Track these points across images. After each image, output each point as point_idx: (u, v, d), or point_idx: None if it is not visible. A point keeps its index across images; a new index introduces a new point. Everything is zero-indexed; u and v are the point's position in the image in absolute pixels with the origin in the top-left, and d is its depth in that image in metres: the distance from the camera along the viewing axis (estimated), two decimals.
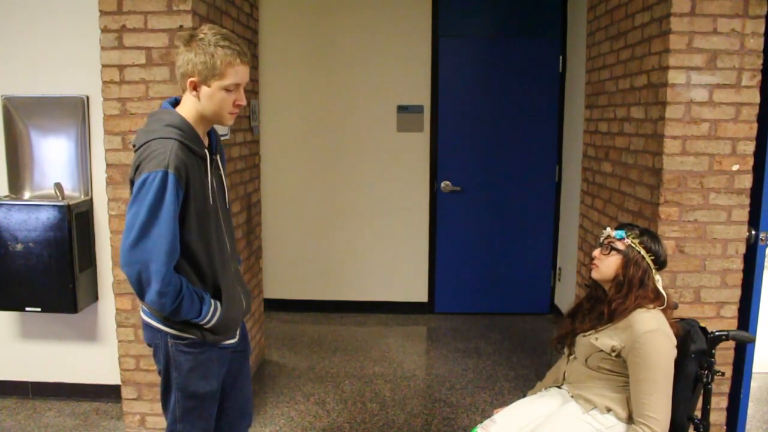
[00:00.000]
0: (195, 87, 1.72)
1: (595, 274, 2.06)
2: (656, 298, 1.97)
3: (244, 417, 2.17)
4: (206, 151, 1.80)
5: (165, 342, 1.84)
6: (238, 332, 2.04)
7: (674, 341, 1.90)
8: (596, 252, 2.07)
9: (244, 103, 1.78)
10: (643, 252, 1.98)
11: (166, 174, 1.63)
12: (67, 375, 3.28)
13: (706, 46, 2.52)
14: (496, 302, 4.78)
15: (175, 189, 1.64)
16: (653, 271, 1.99)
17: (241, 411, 2.15)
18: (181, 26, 2.64)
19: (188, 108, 1.77)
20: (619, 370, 1.95)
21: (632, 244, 1.99)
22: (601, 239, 2.08)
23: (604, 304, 2.04)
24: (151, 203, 1.62)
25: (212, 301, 1.81)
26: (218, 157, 1.91)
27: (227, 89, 1.72)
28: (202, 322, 1.79)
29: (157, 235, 1.64)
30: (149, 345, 1.92)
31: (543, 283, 4.80)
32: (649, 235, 2.02)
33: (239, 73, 1.73)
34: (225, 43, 1.69)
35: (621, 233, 2.01)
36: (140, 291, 1.70)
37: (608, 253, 2.02)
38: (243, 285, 2.03)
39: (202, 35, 1.70)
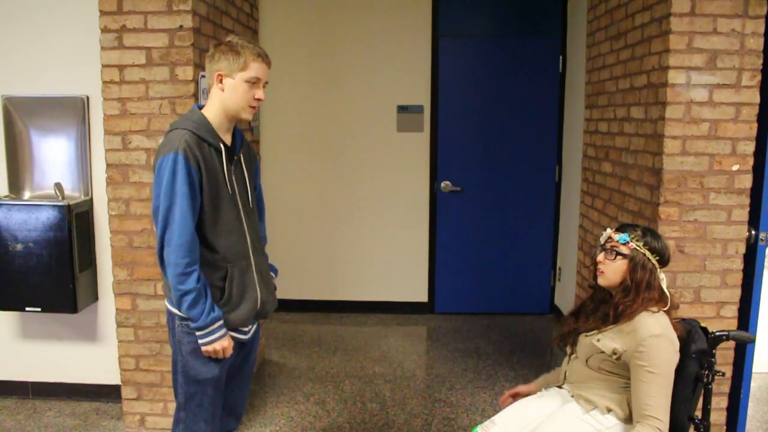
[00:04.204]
0: (221, 80, 1.90)
1: (602, 282, 2.03)
2: (661, 298, 1.96)
3: (232, 418, 2.19)
4: (222, 145, 1.94)
5: (174, 324, 1.95)
6: (251, 329, 2.06)
7: (677, 346, 1.89)
8: (600, 257, 2.03)
9: (263, 98, 1.94)
10: (648, 254, 1.97)
11: (176, 155, 1.80)
12: (67, 375, 3.28)
13: (706, 46, 2.52)
14: (496, 302, 4.78)
15: (186, 167, 1.81)
16: (658, 271, 1.98)
17: (230, 410, 2.16)
18: (181, 26, 2.64)
19: (212, 105, 1.94)
20: (620, 371, 1.95)
21: (637, 247, 1.97)
22: (602, 242, 2.06)
23: (609, 306, 2.01)
24: (166, 183, 1.81)
25: (211, 312, 1.87)
26: (242, 157, 2.03)
27: (249, 82, 1.89)
28: (187, 315, 1.86)
29: (178, 211, 1.81)
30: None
31: (543, 283, 4.80)
32: (652, 235, 2.00)
33: (260, 70, 1.91)
34: (250, 45, 1.91)
35: (624, 237, 1.98)
36: (162, 263, 1.86)
37: (614, 259, 1.99)
38: (267, 284, 2.08)
39: (230, 39, 1.93)
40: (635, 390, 1.87)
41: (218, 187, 1.90)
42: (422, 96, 4.65)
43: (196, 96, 2.70)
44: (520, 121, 4.64)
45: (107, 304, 3.13)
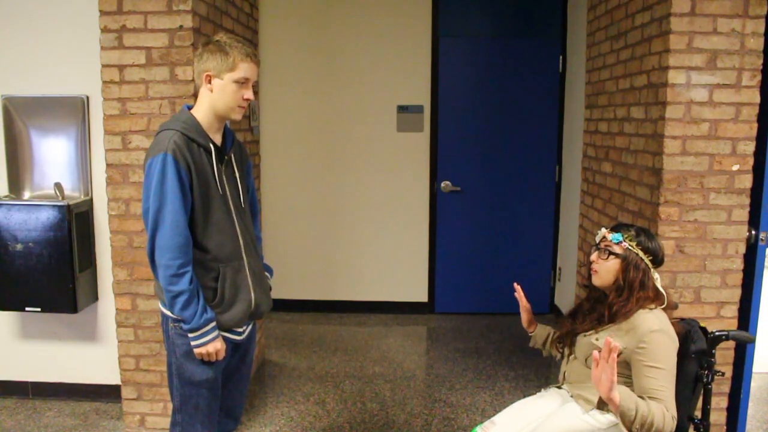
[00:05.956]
0: (210, 80, 1.90)
1: (595, 281, 2.04)
2: (656, 297, 1.97)
3: (230, 419, 2.18)
4: (212, 145, 1.93)
5: (167, 326, 1.95)
6: (246, 330, 2.06)
7: (677, 342, 1.90)
8: (593, 256, 2.05)
9: (252, 98, 1.94)
10: (641, 254, 1.97)
11: (165, 156, 1.80)
12: (67, 375, 3.28)
13: (706, 46, 2.52)
14: (496, 302, 4.78)
15: (175, 167, 1.81)
16: (652, 270, 1.99)
17: (228, 411, 2.16)
18: (181, 26, 2.64)
19: (201, 105, 1.94)
20: (620, 370, 1.94)
21: (630, 247, 1.98)
22: (597, 240, 2.07)
23: (604, 306, 2.03)
24: (156, 185, 1.81)
25: (204, 314, 1.87)
26: (233, 157, 2.03)
27: (238, 82, 1.89)
28: (180, 316, 1.86)
29: (168, 212, 1.81)
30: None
31: (543, 283, 4.80)
32: (646, 235, 2.01)
33: (249, 70, 1.91)
34: (238, 44, 1.90)
35: (617, 237, 1.99)
36: (153, 265, 1.87)
37: (606, 258, 2.01)
38: (261, 284, 2.07)
39: (218, 38, 1.92)
40: (640, 387, 1.86)
41: (208, 188, 1.90)
42: (422, 96, 4.65)
43: (196, 96, 2.69)
44: (520, 121, 4.64)
45: (107, 304, 3.13)
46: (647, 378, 1.84)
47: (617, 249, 1.99)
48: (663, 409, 1.78)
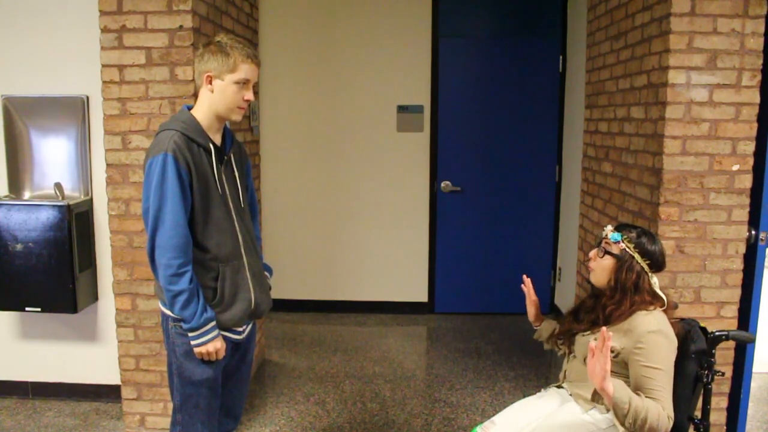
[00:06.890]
0: (210, 81, 1.91)
1: (592, 279, 2.05)
2: (654, 299, 1.96)
3: (230, 419, 2.19)
4: (212, 145, 1.93)
5: (167, 326, 1.96)
6: (245, 330, 2.06)
7: (675, 343, 1.89)
8: (592, 252, 2.05)
9: (252, 98, 1.95)
10: (637, 256, 1.96)
11: (165, 156, 1.81)
12: (67, 375, 3.28)
13: (706, 46, 2.52)
14: (496, 302, 4.78)
15: (175, 167, 1.81)
16: (649, 274, 1.97)
17: (228, 411, 2.16)
18: (181, 26, 2.64)
19: (201, 106, 1.95)
20: (619, 370, 1.94)
21: (627, 248, 1.97)
22: (601, 237, 2.07)
23: (600, 308, 2.03)
24: (156, 185, 1.81)
25: (204, 313, 1.87)
26: (232, 157, 2.04)
27: (238, 83, 1.90)
28: (180, 315, 1.86)
29: (168, 212, 1.82)
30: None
31: (543, 283, 4.80)
32: (648, 238, 1.99)
33: (250, 71, 1.92)
34: (239, 45, 1.91)
35: (617, 236, 1.98)
36: (153, 265, 1.87)
37: (602, 256, 2.01)
38: (260, 284, 2.07)
39: (219, 39, 1.92)
40: (638, 387, 1.85)
41: (208, 188, 1.91)
42: (422, 96, 4.65)
43: (196, 96, 2.70)
44: (520, 121, 4.64)
45: (107, 304, 3.13)
46: (644, 378, 1.84)
47: (614, 249, 1.99)
48: (659, 407, 1.78)
